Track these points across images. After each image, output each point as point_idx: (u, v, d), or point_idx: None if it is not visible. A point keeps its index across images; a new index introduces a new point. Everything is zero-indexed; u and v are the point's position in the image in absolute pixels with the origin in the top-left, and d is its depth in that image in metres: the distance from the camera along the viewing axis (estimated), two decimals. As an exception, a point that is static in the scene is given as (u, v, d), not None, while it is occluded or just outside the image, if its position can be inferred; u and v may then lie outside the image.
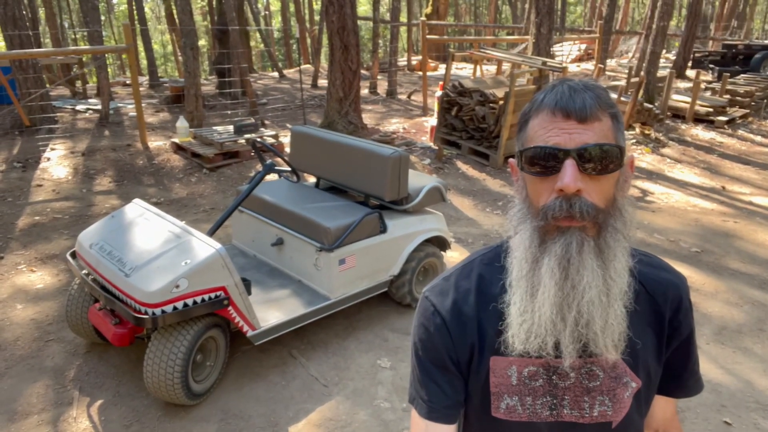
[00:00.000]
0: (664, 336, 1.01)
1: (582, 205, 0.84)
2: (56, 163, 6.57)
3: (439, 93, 7.51)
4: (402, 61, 17.02)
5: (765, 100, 10.73)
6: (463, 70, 15.16)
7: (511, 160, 0.99)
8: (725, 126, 9.43)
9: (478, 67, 10.52)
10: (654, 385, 1.04)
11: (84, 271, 3.01)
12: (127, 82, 13.85)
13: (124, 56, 17.90)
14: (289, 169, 3.64)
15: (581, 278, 0.86)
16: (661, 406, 1.11)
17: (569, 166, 0.84)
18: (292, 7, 22.98)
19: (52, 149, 7.11)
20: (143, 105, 8.25)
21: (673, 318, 1.01)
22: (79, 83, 12.13)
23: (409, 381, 1.08)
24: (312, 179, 4.23)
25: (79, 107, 10.07)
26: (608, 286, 0.87)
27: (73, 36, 20.87)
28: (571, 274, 0.86)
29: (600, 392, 0.96)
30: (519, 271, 0.92)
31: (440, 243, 3.86)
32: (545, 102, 0.88)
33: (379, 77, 12.84)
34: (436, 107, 7.64)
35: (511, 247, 0.95)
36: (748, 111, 10.13)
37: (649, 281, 1.00)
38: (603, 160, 0.85)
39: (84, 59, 11.10)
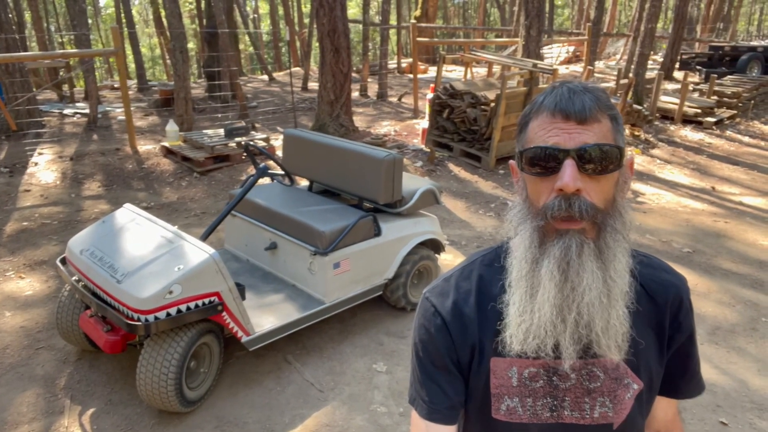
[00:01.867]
0: (665, 337, 1.01)
1: (581, 205, 0.85)
2: (44, 168, 6.49)
3: (430, 95, 7.51)
4: (392, 63, 17.02)
5: (752, 101, 10.84)
6: (453, 72, 15.19)
7: (511, 161, 1.00)
8: (713, 127, 9.51)
9: (468, 69, 10.54)
10: (656, 387, 1.03)
11: (74, 278, 2.96)
12: (115, 85, 13.75)
13: (111, 60, 17.77)
14: (282, 172, 3.62)
15: (581, 280, 0.86)
16: (663, 407, 1.11)
17: (569, 166, 0.84)
18: (281, 10, 22.92)
19: (40, 154, 7.02)
20: (132, 108, 8.18)
21: (674, 319, 1.01)
22: (66, 87, 12.01)
23: (409, 382, 1.08)
24: (305, 182, 4.20)
25: (66, 111, 9.96)
26: (608, 286, 0.87)
27: (60, 39, 20.68)
28: (570, 276, 0.86)
29: (601, 393, 0.96)
30: (519, 271, 0.92)
31: (434, 246, 3.84)
32: (545, 104, 0.89)
33: (369, 80, 12.84)
34: (427, 109, 7.64)
35: (511, 248, 0.95)
36: (735, 112, 10.24)
37: (649, 282, 1.00)
38: (603, 161, 0.85)
39: (71, 63, 10.99)
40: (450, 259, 4.51)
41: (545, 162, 0.86)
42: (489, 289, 0.99)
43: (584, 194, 0.85)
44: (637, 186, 6.70)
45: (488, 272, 1.01)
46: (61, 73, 11.72)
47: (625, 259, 0.89)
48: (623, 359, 0.93)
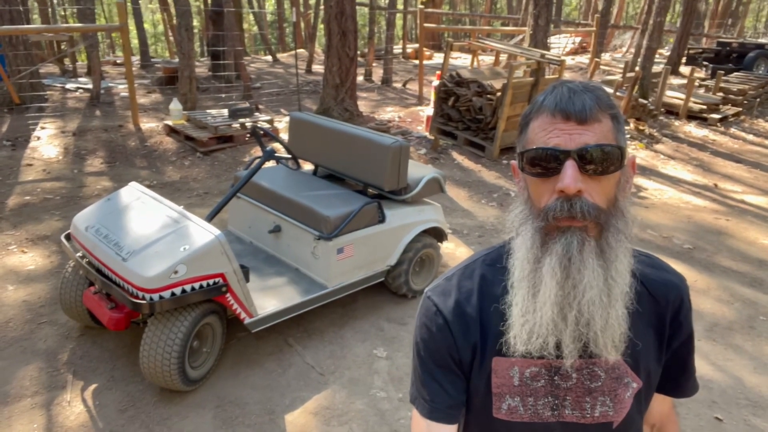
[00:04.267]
0: (665, 337, 1.02)
1: (583, 206, 0.85)
2: (46, 143, 6.46)
3: (436, 82, 7.48)
4: (397, 48, 16.91)
5: (758, 99, 10.80)
6: (459, 60, 15.10)
7: (512, 162, 1.00)
8: (718, 124, 9.49)
9: (475, 57, 10.48)
10: (653, 385, 1.05)
11: (79, 254, 2.97)
12: (118, 61, 13.64)
13: (114, 35, 17.59)
14: (288, 155, 3.61)
15: (582, 277, 0.86)
16: (659, 401, 1.13)
17: (569, 167, 0.84)
18: (286, -10, 22.67)
19: (42, 128, 6.99)
20: (135, 85, 8.12)
21: (674, 319, 1.02)
22: (68, 61, 11.92)
23: (410, 380, 1.08)
24: (309, 166, 4.20)
25: (69, 86, 9.90)
26: (609, 286, 0.88)
27: (62, 13, 20.47)
28: (572, 273, 0.87)
29: (601, 393, 0.97)
30: (521, 271, 0.92)
31: (437, 234, 3.85)
32: (545, 104, 0.89)
33: (374, 65, 12.76)
34: (432, 96, 7.61)
35: (513, 249, 0.95)
36: (740, 109, 10.20)
37: (650, 282, 1.00)
38: (604, 161, 0.85)
39: (74, 37, 10.90)
40: (452, 248, 4.52)
41: (546, 163, 0.86)
42: (491, 289, 0.99)
43: (586, 195, 0.85)
44: (639, 181, 6.70)
45: (490, 272, 1.01)
46: (63, 47, 11.63)
47: (626, 259, 0.90)
48: (623, 359, 0.94)
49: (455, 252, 4.47)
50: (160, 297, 2.54)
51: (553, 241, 0.88)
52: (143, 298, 2.54)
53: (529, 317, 0.90)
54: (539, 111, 0.89)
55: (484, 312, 0.98)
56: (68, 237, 3.12)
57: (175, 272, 2.55)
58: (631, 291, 0.90)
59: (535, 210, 0.90)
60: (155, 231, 2.75)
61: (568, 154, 0.85)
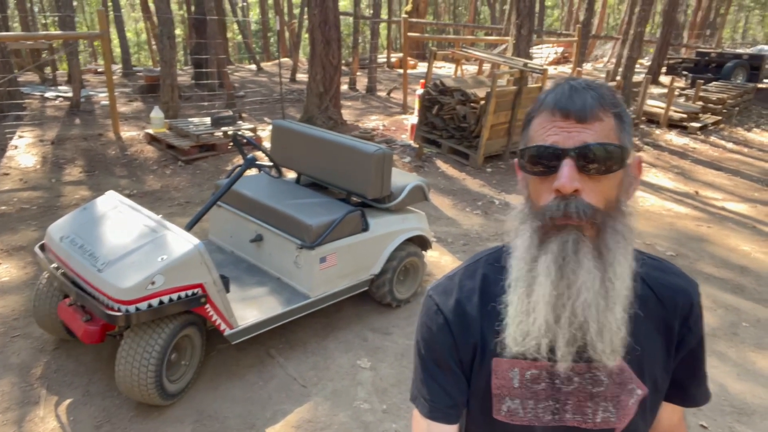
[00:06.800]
0: (673, 343, 0.99)
1: (579, 206, 0.83)
2: (24, 152, 6.34)
3: (420, 91, 7.49)
4: (381, 58, 16.96)
5: (736, 108, 10.97)
6: (442, 68, 15.17)
7: (515, 160, 0.98)
8: (698, 132, 9.62)
9: (459, 66, 10.53)
10: (661, 393, 1.01)
11: (53, 265, 2.89)
12: (99, 69, 13.49)
13: (96, 43, 17.41)
14: (270, 163, 3.56)
15: (576, 278, 0.84)
16: (668, 411, 1.09)
17: (566, 166, 0.83)
18: None
19: (20, 137, 6.86)
20: (116, 94, 8.02)
21: (683, 325, 0.98)
22: (48, 69, 11.76)
23: (411, 379, 1.06)
24: (292, 175, 4.15)
25: (48, 94, 9.76)
26: (606, 288, 0.85)
27: (43, 20, 20.24)
28: (566, 273, 0.84)
29: (604, 398, 0.94)
30: (518, 271, 0.90)
31: (422, 242, 3.82)
32: (546, 102, 0.87)
33: (358, 73, 12.77)
34: (417, 105, 7.61)
35: (512, 248, 0.93)
36: (720, 118, 10.35)
37: (658, 286, 0.98)
38: (606, 161, 0.83)
39: (54, 45, 10.76)
40: (436, 257, 4.49)
41: (546, 161, 0.85)
42: (492, 288, 0.97)
43: (583, 194, 0.83)
44: (622, 188, 6.74)
45: (493, 271, 0.99)
46: (43, 55, 11.48)
47: (627, 262, 0.87)
48: (628, 364, 0.92)
49: (440, 260, 4.44)
50: (137, 309, 2.47)
51: (549, 240, 0.86)
52: (119, 310, 2.47)
53: (523, 317, 0.88)
54: (541, 109, 0.88)
55: (485, 312, 0.96)
56: (43, 247, 3.04)
57: (152, 283, 2.49)
58: (631, 294, 0.88)
59: (533, 209, 0.89)
60: (132, 241, 2.68)
61: (565, 152, 0.83)
